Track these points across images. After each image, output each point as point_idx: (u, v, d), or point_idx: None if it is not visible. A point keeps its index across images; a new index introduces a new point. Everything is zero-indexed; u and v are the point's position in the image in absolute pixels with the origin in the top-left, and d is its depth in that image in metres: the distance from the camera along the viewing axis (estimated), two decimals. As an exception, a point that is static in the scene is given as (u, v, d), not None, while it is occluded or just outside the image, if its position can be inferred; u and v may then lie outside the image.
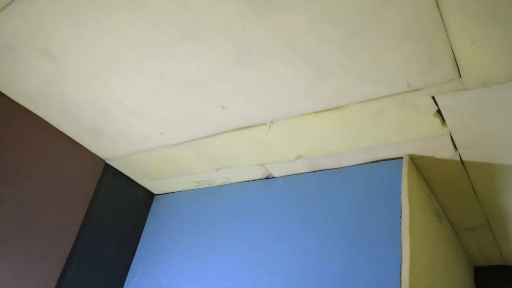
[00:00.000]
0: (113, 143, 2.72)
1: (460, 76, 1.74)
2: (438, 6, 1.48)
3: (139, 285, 2.97)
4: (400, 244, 2.05)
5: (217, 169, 2.83)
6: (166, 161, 2.84)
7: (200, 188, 3.15)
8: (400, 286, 1.95)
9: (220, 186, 3.05)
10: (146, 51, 1.91)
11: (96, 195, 2.89)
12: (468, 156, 2.26)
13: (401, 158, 2.32)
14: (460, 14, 1.49)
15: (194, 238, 2.89)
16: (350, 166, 2.48)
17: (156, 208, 3.32)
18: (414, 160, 2.35)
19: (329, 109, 2.07)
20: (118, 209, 3.06)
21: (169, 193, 3.33)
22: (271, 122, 2.26)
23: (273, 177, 2.81)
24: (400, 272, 1.99)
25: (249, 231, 2.66)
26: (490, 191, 2.58)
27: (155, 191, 3.36)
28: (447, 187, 2.59)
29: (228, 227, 2.78)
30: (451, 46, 1.62)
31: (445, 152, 2.25)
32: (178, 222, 3.07)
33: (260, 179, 2.86)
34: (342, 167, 2.51)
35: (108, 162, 2.97)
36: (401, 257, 2.03)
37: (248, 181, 2.92)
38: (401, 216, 2.13)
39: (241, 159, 2.66)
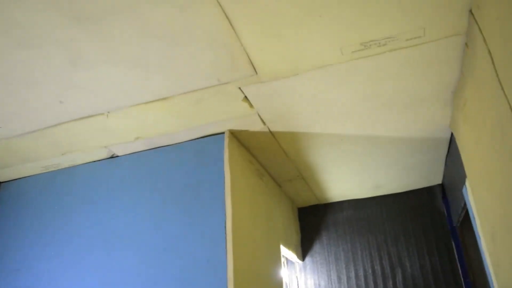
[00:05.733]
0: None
1: (257, 72, 2.26)
2: (232, 27, 1.92)
3: (-4, 272, 3.10)
4: (224, 204, 2.59)
5: (63, 154, 3.02)
6: (9, 151, 2.93)
7: (48, 172, 3.29)
8: (225, 237, 2.50)
9: (67, 168, 3.24)
10: (-21, 58, 2.03)
11: None
12: (275, 128, 2.87)
13: (223, 133, 2.82)
14: (249, 32, 1.96)
15: (48, 221, 3.08)
16: (183, 142, 2.92)
17: (4, 196, 3.36)
18: (234, 133, 2.87)
19: (158, 100, 2.45)
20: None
21: (17, 179, 3.39)
22: (108, 112, 2.55)
23: (117, 156, 3.11)
24: (225, 227, 2.53)
25: (98, 208, 2.96)
26: (297, 151, 3.26)
27: (1, 179, 3.40)
28: (264, 151, 3.20)
29: (79, 206, 3.04)
30: (246, 52, 2.10)
31: (256, 126, 2.81)
32: (29, 207, 3.20)
33: (105, 159, 3.14)
34: (175, 143, 2.93)
35: None
36: (225, 214, 2.56)
37: (94, 161, 3.17)
38: (224, 181, 2.66)
39: (85, 144, 2.91)
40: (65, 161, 3.16)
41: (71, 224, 3.00)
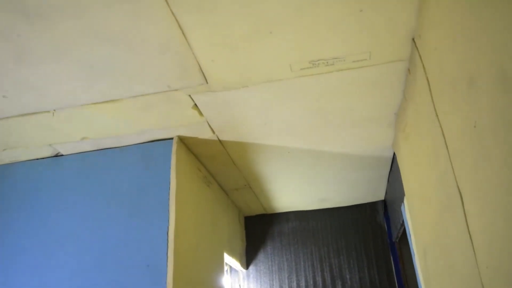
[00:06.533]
0: None
1: (207, 82, 2.28)
2: (184, 36, 1.93)
3: None
4: (168, 210, 2.58)
5: (4, 149, 2.92)
6: None
7: (-14, 167, 3.17)
8: (167, 242, 2.49)
9: (8, 164, 3.13)
10: None
11: None
12: (224, 137, 2.89)
13: (172, 138, 2.81)
14: (201, 42, 1.98)
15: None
16: (130, 145, 2.89)
17: None
18: (183, 140, 2.87)
19: (106, 101, 2.42)
20: None
21: (-48, 173, 3.24)
22: (54, 110, 2.49)
23: (62, 155, 3.03)
24: (167, 233, 2.52)
25: (39, 207, 2.87)
26: (245, 161, 3.29)
27: None
28: (212, 159, 3.22)
29: (18, 204, 2.94)
30: (197, 61, 2.11)
31: (205, 134, 2.83)
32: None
33: (49, 157, 3.05)
34: (123, 146, 2.90)
35: None
36: (168, 219, 2.56)
37: (38, 159, 3.08)
38: (170, 187, 2.65)
39: (28, 141, 2.82)
40: (6, 157, 3.05)
41: (8, 223, 2.90)
